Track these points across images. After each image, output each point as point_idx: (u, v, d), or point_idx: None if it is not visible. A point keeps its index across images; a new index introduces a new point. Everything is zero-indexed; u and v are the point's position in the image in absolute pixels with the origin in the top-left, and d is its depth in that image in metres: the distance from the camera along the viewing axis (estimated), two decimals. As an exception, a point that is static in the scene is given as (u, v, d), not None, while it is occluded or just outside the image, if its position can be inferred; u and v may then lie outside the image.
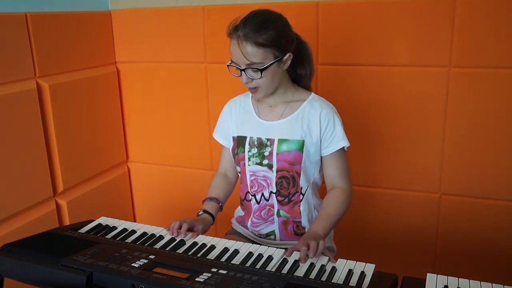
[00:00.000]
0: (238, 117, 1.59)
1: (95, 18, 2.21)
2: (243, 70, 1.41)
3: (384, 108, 1.95)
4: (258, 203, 1.57)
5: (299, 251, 1.27)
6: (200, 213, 1.54)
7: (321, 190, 1.63)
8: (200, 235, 1.42)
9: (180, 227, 1.41)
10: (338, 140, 1.49)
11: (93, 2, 2.23)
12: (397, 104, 1.93)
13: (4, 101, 1.73)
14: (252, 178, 1.55)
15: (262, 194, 1.55)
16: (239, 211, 1.69)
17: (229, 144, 1.62)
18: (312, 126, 1.49)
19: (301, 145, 1.48)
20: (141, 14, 2.25)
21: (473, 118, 1.83)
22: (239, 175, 1.63)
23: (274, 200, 1.54)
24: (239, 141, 1.56)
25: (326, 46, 1.97)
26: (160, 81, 2.31)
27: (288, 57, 1.44)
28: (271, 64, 1.40)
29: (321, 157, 1.52)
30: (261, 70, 1.39)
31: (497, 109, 1.79)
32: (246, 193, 1.60)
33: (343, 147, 1.50)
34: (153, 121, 2.38)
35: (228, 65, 1.46)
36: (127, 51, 2.33)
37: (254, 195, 1.57)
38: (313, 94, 1.55)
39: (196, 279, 1.11)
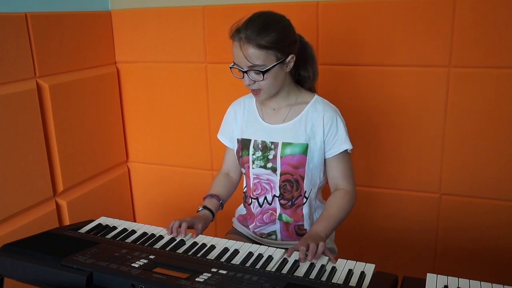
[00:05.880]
0: (243, 120, 1.59)
1: (95, 18, 2.21)
2: (246, 72, 1.41)
3: (384, 108, 1.95)
4: (260, 206, 1.57)
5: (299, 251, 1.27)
6: (200, 209, 1.54)
7: (324, 192, 1.63)
8: (200, 235, 1.42)
9: (179, 226, 1.41)
10: (341, 142, 1.49)
11: (93, 2, 2.23)
12: (397, 104, 1.93)
13: (4, 101, 1.73)
14: (256, 181, 1.55)
15: (265, 198, 1.55)
16: (240, 210, 1.69)
17: (233, 146, 1.62)
18: (316, 129, 1.49)
19: (305, 149, 1.48)
20: (141, 14, 2.25)
21: (473, 118, 1.83)
22: (244, 176, 1.63)
23: (277, 204, 1.54)
24: (244, 144, 1.56)
25: (326, 46, 1.97)
26: (160, 81, 2.31)
27: (290, 59, 1.43)
28: (273, 66, 1.39)
29: (325, 160, 1.52)
30: (263, 72, 1.39)
31: (497, 109, 1.79)
32: (248, 197, 1.60)
33: (346, 150, 1.50)
34: (153, 121, 2.38)
35: (230, 67, 1.45)
36: (127, 51, 2.33)
37: (257, 198, 1.57)
38: (316, 96, 1.54)
39: (196, 279, 1.11)
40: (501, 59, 1.74)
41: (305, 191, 1.52)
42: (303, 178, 1.50)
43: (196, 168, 2.34)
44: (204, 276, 1.13)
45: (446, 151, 1.90)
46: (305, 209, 1.54)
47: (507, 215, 1.86)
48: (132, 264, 1.18)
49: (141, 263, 1.19)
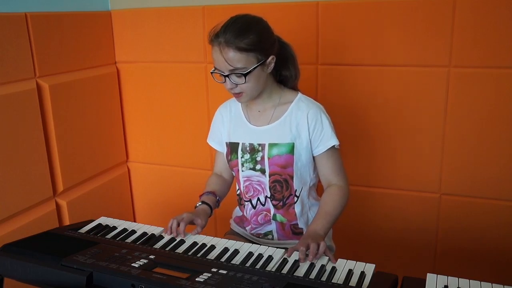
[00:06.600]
0: (230, 124, 1.59)
1: (95, 18, 2.21)
2: (227, 76, 1.41)
3: (384, 108, 1.95)
4: (254, 208, 1.57)
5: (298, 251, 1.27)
6: (198, 204, 1.54)
7: (319, 190, 1.63)
8: (200, 235, 1.42)
9: (178, 225, 1.41)
10: (327, 139, 1.49)
11: (93, 2, 2.23)
12: (397, 104, 1.93)
13: (4, 101, 1.73)
14: (247, 183, 1.55)
15: (258, 199, 1.55)
16: (237, 212, 1.69)
17: (223, 149, 1.62)
18: (301, 128, 1.49)
19: (291, 148, 1.48)
20: (141, 14, 2.25)
21: (473, 118, 1.83)
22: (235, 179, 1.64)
23: (269, 204, 1.55)
24: (232, 148, 1.56)
25: (326, 46, 1.97)
26: (160, 81, 2.31)
27: (271, 59, 1.44)
28: (254, 68, 1.39)
29: (314, 157, 1.52)
30: (245, 75, 1.39)
31: (497, 109, 1.79)
32: (241, 199, 1.61)
33: (334, 145, 1.50)
34: (153, 121, 2.38)
35: (211, 72, 1.46)
36: (127, 51, 2.33)
37: (250, 200, 1.57)
38: (299, 95, 1.54)
39: (196, 279, 1.11)
40: (501, 59, 1.74)
41: (296, 190, 1.52)
42: (292, 177, 1.50)
43: (196, 168, 2.34)
44: (204, 276, 1.13)
45: (446, 151, 1.90)
46: (297, 208, 1.54)
47: (507, 215, 1.86)
48: (132, 264, 1.18)
49: (141, 263, 1.19)
